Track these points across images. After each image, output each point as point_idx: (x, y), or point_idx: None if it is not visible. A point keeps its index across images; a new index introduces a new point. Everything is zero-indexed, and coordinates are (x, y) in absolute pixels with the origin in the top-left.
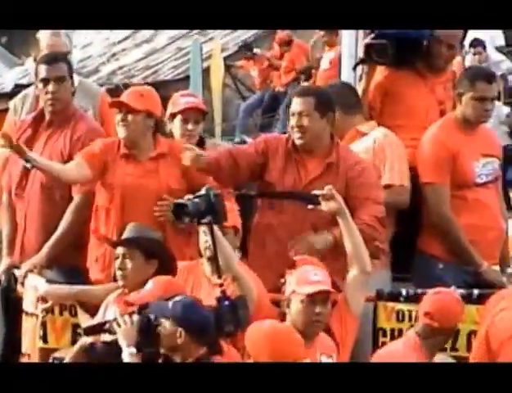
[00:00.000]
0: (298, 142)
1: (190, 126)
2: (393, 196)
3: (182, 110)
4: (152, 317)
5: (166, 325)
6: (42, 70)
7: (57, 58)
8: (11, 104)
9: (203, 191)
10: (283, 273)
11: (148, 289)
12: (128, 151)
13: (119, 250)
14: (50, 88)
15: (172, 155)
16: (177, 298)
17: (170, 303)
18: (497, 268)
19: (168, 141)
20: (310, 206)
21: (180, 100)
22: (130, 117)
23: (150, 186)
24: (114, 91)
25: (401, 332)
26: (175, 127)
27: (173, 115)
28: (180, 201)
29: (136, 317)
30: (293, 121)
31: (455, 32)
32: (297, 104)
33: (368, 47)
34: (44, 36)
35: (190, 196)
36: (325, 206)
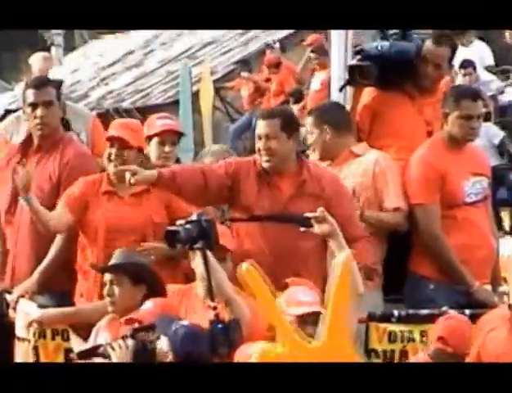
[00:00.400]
0: (265, 165)
1: (166, 148)
2: (402, 220)
3: (159, 133)
4: (147, 339)
5: (163, 343)
6: (30, 95)
7: (45, 82)
8: (1, 126)
9: (194, 217)
10: None
11: (147, 308)
12: (110, 188)
13: (107, 276)
14: (38, 112)
15: (156, 190)
16: (184, 323)
17: (174, 324)
18: (489, 287)
19: None
20: (302, 229)
21: (156, 122)
22: (126, 153)
23: (133, 221)
24: (104, 115)
25: (393, 353)
26: (152, 149)
27: (150, 138)
28: (171, 227)
29: (130, 341)
30: (259, 144)
31: (441, 51)
32: (263, 127)
33: (352, 68)
34: (36, 61)
35: (182, 222)
36: (317, 229)
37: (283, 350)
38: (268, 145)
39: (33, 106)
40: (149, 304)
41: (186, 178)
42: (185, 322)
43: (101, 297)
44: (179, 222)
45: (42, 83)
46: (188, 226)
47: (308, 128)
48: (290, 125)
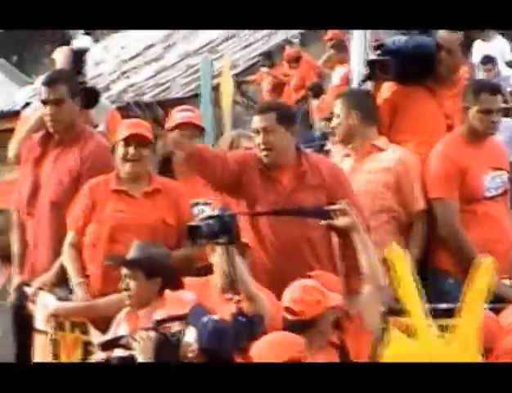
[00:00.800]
0: (265, 159)
1: (185, 141)
2: (426, 223)
3: (177, 125)
4: (169, 333)
5: (191, 333)
6: (42, 92)
7: (56, 80)
8: (26, 112)
9: (216, 212)
10: (278, 292)
11: (193, 299)
12: (120, 187)
13: (123, 270)
14: (48, 110)
15: (166, 191)
16: (214, 317)
17: (206, 318)
18: (508, 282)
19: (158, 177)
20: (323, 222)
21: (176, 115)
22: (144, 151)
23: (145, 221)
24: (125, 108)
25: None
26: None
27: (170, 130)
28: (193, 223)
29: (152, 333)
30: (258, 139)
31: (452, 36)
32: (259, 121)
33: (373, 63)
34: (59, 55)
35: (204, 217)
36: (338, 222)
37: (415, 342)
38: (266, 139)
39: (44, 103)
40: (191, 296)
41: (211, 157)
42: (215, 317)
43: None
44: (201, 216)
45: (52, 80)
46: (210, 221)
47: (335, 111)
48: (286, 118)
